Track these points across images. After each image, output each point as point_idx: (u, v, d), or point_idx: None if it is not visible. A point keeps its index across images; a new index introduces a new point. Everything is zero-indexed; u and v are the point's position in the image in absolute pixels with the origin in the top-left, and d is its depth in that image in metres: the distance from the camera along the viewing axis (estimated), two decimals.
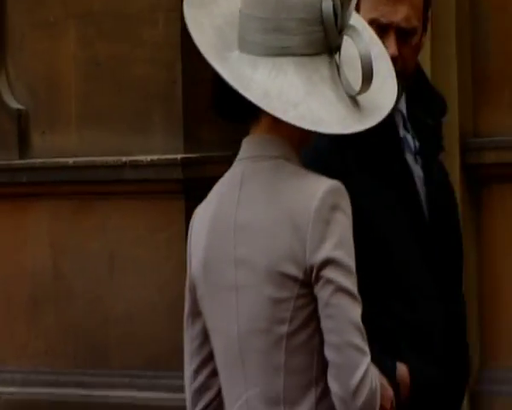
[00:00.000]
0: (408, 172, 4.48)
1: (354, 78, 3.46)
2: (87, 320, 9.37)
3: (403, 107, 4.38)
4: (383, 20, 4.19)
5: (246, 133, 4.71)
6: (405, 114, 4.47)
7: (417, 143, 4.49)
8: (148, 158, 8.82)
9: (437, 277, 4.35)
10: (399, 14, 4.26)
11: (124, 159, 8.95)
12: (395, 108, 4.17)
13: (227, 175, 3.75)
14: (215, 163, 8.28)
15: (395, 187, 4.39)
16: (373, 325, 3.64)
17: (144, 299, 8.99)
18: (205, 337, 3.68)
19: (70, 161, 9.01)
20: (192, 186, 8.63)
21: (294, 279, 3.51)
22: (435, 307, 4.31)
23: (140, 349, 9.10)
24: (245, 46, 3.54)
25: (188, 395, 3.88)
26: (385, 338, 4.03)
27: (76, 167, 9.15)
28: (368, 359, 3.35)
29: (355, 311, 3.44)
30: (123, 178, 9.07)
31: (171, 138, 8.88)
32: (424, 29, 4.41)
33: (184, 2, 3.50)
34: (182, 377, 3.92)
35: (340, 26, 3.47)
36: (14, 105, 9.69)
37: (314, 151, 3.91)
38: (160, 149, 8.84)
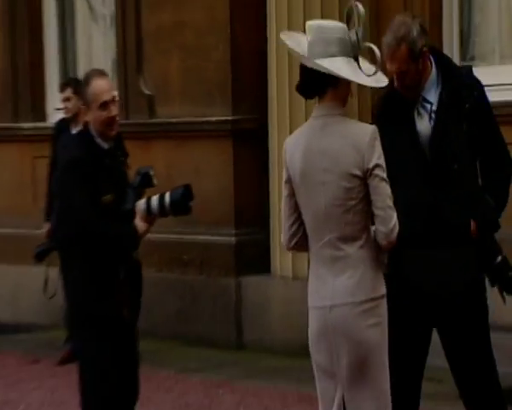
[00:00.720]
0: (412, 126, 5.71)
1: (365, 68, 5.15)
2: None
3: (431, 97, 5.67)
4: (389, 68, 5.60)
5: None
6: (433, 101, 5.67)
7: (434, 109, 5.69)
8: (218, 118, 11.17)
9: (432, 191, 5.62)
10: (393, 67, 5.61)
11: (207, 119, 11.21)
12: (420, 98, 5.69)
13: (308, 124, 5.41)
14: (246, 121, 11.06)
15: (405, 136, 5.74)
16: None
17: None
18: (296, 207, 5.35)
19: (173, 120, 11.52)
20: (235, 132, 11.15)
21: (357, 177, 5.18)
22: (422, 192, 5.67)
23: None
24: (320, 54, 5.11)
25: (285, 236, 5.47)
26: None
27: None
28: (395, 213, 5.13)
29: (389, 189, 5.17)
30: (205, 128, 11.29)
31: (225, 108, 11.20)
32: (422, 61, 5.62)
33: (281, 34, 5.58)
34: None
35: (358, 44, 5.16)
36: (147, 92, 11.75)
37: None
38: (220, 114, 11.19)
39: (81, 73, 11.49)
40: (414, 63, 5.52)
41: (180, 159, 11.57)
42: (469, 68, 5.86)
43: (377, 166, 5.10)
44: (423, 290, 5.65)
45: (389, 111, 5.75)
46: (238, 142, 11.18)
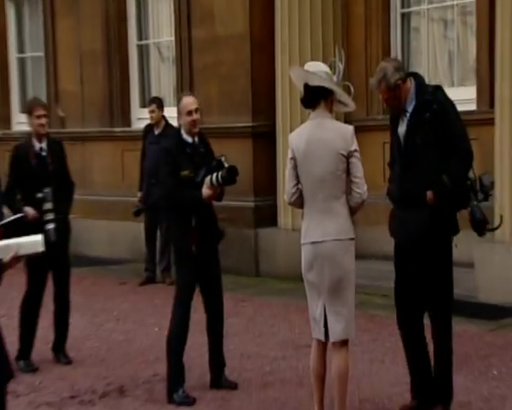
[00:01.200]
0: (397, 128, 5.66)
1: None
2: None
3: (409, 108, 5.54)
4: (379, 97, 5.73)
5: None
6: (409, 111, 5.53)
7: (408, 118, 5.56)
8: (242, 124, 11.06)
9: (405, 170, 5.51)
10: (380, 96, 5.65)
11: (235, 125, 11.08)
12: (403, 110, 5.56)
13: (308, 122, 5.36)
14: (261, 126, 11.01)
15: (395, 134, 5.67)
16: None
17: None
18: (296, 176, 5.29)
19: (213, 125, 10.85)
20: (254, 134, 11.05)
21: (343, 155, 5.18)
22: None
23: None
24: (313, 80, 5.22)
25: (288, 194, 5.40)
26: None
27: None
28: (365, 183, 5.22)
29: (361, 166, 5.22)
30: (233, 131, 11.09)
31: (247, 118, 11.09)
32: (398, 89, 5.47)
33: (291, 68, 6.09)
34: None
35: (338, 74, 5.33)
36: None
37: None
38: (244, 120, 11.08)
39: (153, 95, 12.06)
40: (392, 92, 5.49)
41: (217, 151, 11.06)
42: (435, 87, 5.70)
43: (355, 150, 5.21)
44: (398, 239, 5.69)
45: (393, 118, 5.73)
46: (255, 140, 11.11)
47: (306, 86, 5.26)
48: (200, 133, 6.51)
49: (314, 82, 5.21)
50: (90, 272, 11.06)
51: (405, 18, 10.33)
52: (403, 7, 10.29)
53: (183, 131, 6.44)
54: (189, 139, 6.40)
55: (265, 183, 10.99)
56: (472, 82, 9.65)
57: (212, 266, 6.49)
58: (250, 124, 11.03)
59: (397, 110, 5.63)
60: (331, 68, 5.35)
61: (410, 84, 5.55)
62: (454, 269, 5.61)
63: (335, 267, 5.16)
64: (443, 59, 10.16)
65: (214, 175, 6.19)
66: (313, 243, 5.21)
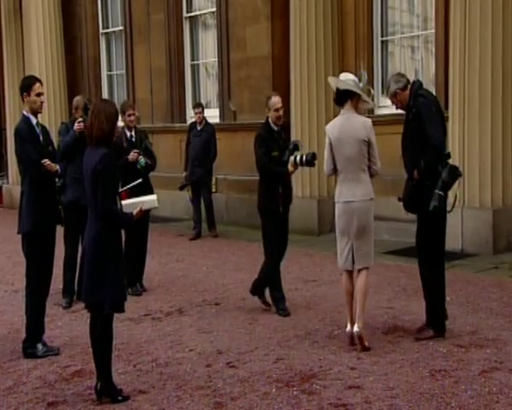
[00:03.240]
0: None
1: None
2: None
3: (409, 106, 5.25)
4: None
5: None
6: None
7: (404, 118, 5.35)
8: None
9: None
10: (391, 102, 5.42)
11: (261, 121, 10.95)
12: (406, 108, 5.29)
13: (339, 117, 5.27)
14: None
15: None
16: None
17: None
18: (332, 156, 5.24)
19: (245, 122, 11.02)
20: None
21: (365, 141, 5.14)
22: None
23: None
24: (342, 85, 5.18)
25: (327, 169, 5.31)
26: None
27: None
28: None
29: (377, 149, 5.16)
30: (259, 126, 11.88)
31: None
32: (398, 96, 5.26)
33: (329, 78, 5.61)
34: None
35: (364, 82, 5.28)
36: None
37: None
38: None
39: (202, 101, 11.85)
40: (394, 98, 5.33)
41: (249, 140, 10.49)
42: (415, 95, 5.25)
43: (373, 138, 5.19)
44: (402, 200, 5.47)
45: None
46: None
47: (337, 89, 5.23)
48: (282, 124, 6.31)
49: (342, 86, 5.20)
50: (158, 227, 10.74)
51: (384, 44, 10.16)
52: (382, 36, 10.13)
53: (270, 122, 6.22)
54: (275, 128, 6.22)
55: None
56: (432, 90, 9.43)
57: (287, 221, 6.39)
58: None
59: (404, 109, 5.37)
60: (359, 79, 5.27)
61: (408, 90, 5.28)
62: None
63: (361, 218, 5.17)
64: (411, 74, 9.77)
65: (298, 156, 5.99)
66: (346, 202, 5.20)
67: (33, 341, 5.22)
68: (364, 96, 5.26)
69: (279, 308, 6.18)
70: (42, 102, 5.26)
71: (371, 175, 5.23)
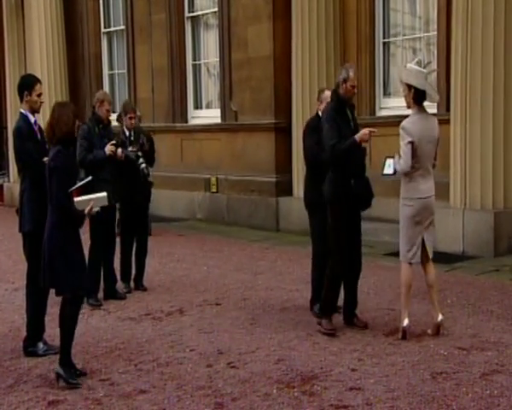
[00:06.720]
0: (348, 118, 5.55)
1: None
2: None
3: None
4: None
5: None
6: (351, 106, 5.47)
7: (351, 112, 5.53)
8: (267, 121, 10.75)
9: None
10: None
11: (262, 121, 10.78)
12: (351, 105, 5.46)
13: (419, 115, 5.25)
14: (281, 123, 10.61)
15: (347, 122, 5.52)
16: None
17: None
18: (416, 153, 5.18)
19: (246, 122, 11.08)
20: (276, 129, 10.72)
21: (437, 139, 5.31)
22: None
23: None
24: (421, 85, 5.14)
25: (407, 165, 5.20)
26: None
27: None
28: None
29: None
30: (261, 126, 10.82)
31: (270, 117, 10.79)
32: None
33: (408, 72, 5.21)
34: None
35: (425, 67, 5.29)
36: None
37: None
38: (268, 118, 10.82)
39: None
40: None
41: (250, 141, 11.11)
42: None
43: (439, 137, 5.35)
44: None
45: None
46: (277, 132, 10.81)
47: (419, 90, 5.20)
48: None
49: (421, 86, 5.21)
50: (158, 227, 10.77)
51: (386, 46, 10.10)
52: (384, 38, 10.05)
53: (319, 113, 5.87)
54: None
55: (284, 164, 10.71)
56: None
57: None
58: (273, 121, 10.80)
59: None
60: (420, 64, 5.24)
61: None
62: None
63: (433, 211, 5.34)
64: None
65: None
66: (427, 197, 5.27)
67: (34, 339, 5.19)
68: (433, 94, 5.29)
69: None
70: (41, 103, 5.27)
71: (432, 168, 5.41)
